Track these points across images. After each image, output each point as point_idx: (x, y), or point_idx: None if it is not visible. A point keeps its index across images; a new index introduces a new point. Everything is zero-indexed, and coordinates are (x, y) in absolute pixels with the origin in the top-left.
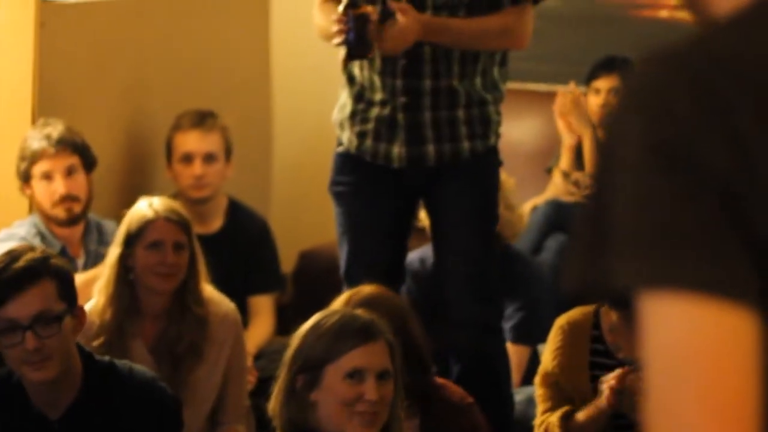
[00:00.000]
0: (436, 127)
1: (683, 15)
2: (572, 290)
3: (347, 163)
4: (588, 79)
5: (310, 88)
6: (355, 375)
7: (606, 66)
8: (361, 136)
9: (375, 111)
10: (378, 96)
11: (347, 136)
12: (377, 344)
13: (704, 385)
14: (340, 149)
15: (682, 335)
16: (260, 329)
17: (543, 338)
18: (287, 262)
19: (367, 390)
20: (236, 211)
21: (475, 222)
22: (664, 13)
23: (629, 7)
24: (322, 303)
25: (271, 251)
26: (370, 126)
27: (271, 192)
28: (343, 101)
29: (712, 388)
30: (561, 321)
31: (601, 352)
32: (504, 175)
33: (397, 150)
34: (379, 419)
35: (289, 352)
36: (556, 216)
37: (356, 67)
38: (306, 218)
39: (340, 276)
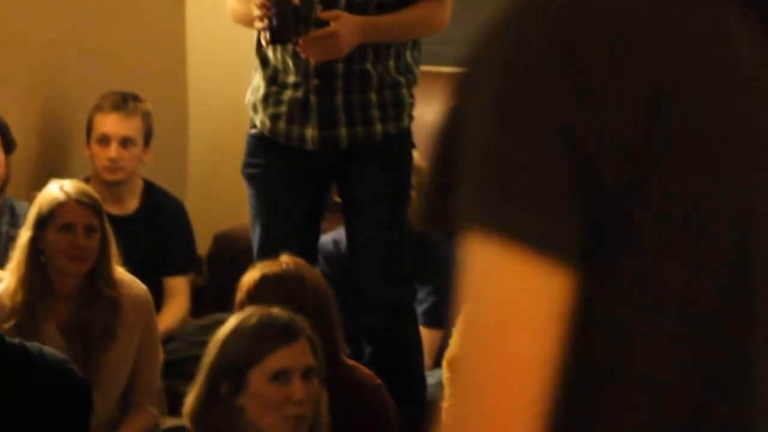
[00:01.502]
0: (348, 110)
1: None
2: (423, 228)
3: (260, 146)
4: None
5: (225, 71)
6: (281, 376)
7: None
8: (275, 118)
9: (288, 93)
10: (291, 78)
11: (261, 119)
12: (299, 343)
13: (497, 338)
14: (254, 131)
15: (490, 281)
16: (175, 311)
17: (455, 322)
18: (202, 244)
19: (294, 391)
20: (152, 192)
21: (387, 204)
22: None
23: None
24: (237, 285)
25: (186, 233)
26: (284, 108)
27: (187, 174)
28: (256, 84)
29: (503, 342)
30: None
31: None
32: (420, 161)
33: (310, 133)
34: (306, 419)
35: (208, 358)
36: None
37: (270, 50)
38: (221, 200)
39: (253, 258)
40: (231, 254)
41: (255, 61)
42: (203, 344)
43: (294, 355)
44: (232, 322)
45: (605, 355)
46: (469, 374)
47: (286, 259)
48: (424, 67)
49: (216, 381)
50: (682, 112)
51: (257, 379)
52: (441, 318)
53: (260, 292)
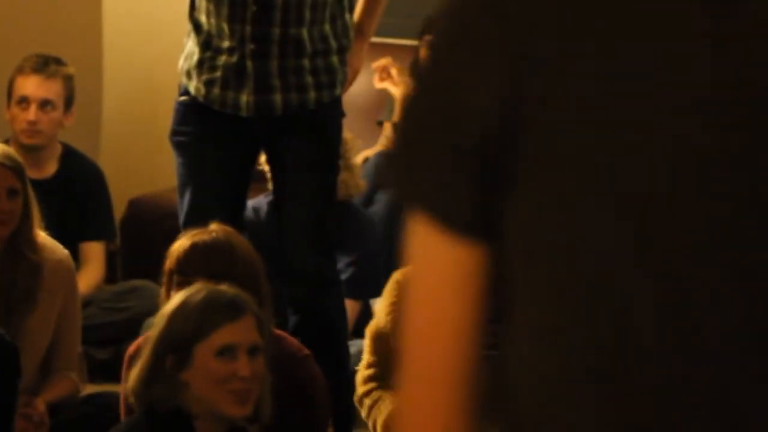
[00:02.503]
0: (283, 75)
1: None
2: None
3: (192, 113)
4: (422, 33)
5: (140, 36)
6: (226, 352)
7: None
8: (209, 84)
9: (223, 59)
10: (226, 44)
11: (194, 85)
12: (246, 319)
13: (419, 308)
14: (185, 98)
15: (414, 253)
16: (90, 276)
17: (375, 293)
18: (116, 210)
19: (239, 367)
20: (71, 157)
21: (317, 173)
22: None
23: None
24: (151, 252)
25: (104, 199)
26: (218, 74)
27: (100, 139)
28: (190, 49)
29: (424, 303)
30: (398, 275)
31: None
32: (347, 134)
33: (245, 98)
34: (252, 395)
35: (154, 332)
36: None
37: (203, 15)
38: (135, 166)
39: (167, 225)
40: (145, 221)
41: (173, 26)
42: (117, 311)
43: (240, 331)
44: (179, 297)
45: (508, 303)
46: (404, 333)
47: (215, 228)
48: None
49: (161, 355)
50: (562, 62)
51: (203, 354)
52: (360, 289)
53: (190, 261)
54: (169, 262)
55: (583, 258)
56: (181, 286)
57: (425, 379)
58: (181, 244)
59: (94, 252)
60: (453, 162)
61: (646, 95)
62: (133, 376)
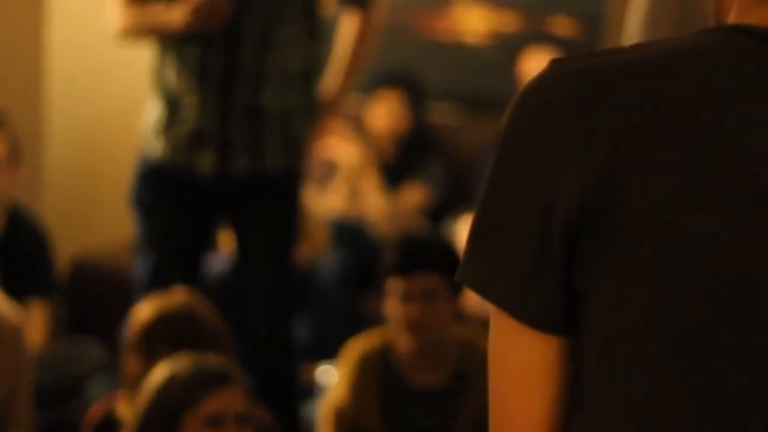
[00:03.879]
0: (246, 140)
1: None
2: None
3: (153, 175)
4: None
5: (86, 88)
6: (215, 421)
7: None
8: (171, 148)
9: (186, 123)
10: (190, 108)
11: (155, 147)
12: (234, 388)
13: (500, 401)
14: (148, 159)
15: (494, 344)
16: (33, 334)
17: (327, 355)
18: (58, 265)
19: None
20: (15, 213)
21: (277, 237)
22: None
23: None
24: (95, 308)
25: (47, 255)
26: (181, 138)
27: (43, 193)
28: (153, 112)
29: (505, 405)
30: (353, 346)
31: (393, 382)
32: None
33: (208, 162)
34: None
35: (140, 406)
36: (339, 227)
37: (169, 76)
38: (78, 222)
39: (112, 281)
40: (89, 277)
41: (120, 78)
42: (60, 368)
43: (229, 400)
44: (165, 368)
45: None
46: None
47: (180, 295)
48: None
49: (149, 426)
50: (638, 170)
51: (192, 423)
52: (312, 351)
53: (156, 331)
54: (134, 332)
55: (671, 338)
56: (150, 356)
57: None
58: (145, 313)
59: (37, 309)
60: (534, 258)
61: (735, 176)
62: None
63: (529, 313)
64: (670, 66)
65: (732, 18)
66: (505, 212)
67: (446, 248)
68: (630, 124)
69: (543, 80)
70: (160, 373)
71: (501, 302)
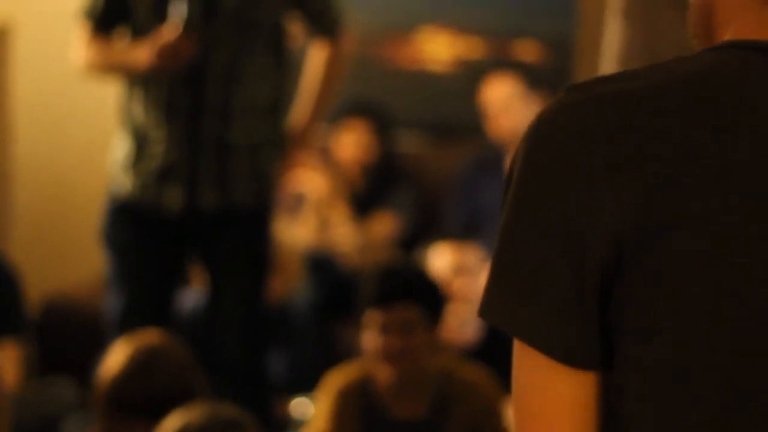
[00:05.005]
0: (215, 176)
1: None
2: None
3: (123, 212)
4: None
5: (52, 126)
6: None
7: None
8: (140, 183)
9: (154, 158)
10: (158, 143)
11: (124, 184)
12: None
13: (524, 426)
14: (117, 196)
15: (522, 381)
16: (7, 375)
17: (302, 388)
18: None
19: None
20: None
21: (250, 272)
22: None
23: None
24: (67, 348)
25: (16, 294)
26: (150, 173)
27: (12, 234)
28: (122, 147)
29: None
30: (331, 379)
31: (374, 414)
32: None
33: (175, 198)
34: None
35: None
36: (310, 259)
37: (136, 111)
38: (49, 261)
39: (82, 320)
40: (59, 317)
41: (86, 117)
42: (32, 408)
43: None
44: (177, 419)
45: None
46: None
47: (152, 337)
48: None
49: None
50: (676, 205)
51: None
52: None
53: (128, 388)
54: (102, 391)
55: (720, 373)
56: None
57: None
58: (114, 370)
59: (10, 349)
60: (567, 294)
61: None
62: None
63: (562, 350)
64: (697, 91)
65: (733, 33)
66: (532, 247)
67: (424, 279)
68: (666, 156)
69: (562, 108)
70: (173, 423)
71: (531, 339)
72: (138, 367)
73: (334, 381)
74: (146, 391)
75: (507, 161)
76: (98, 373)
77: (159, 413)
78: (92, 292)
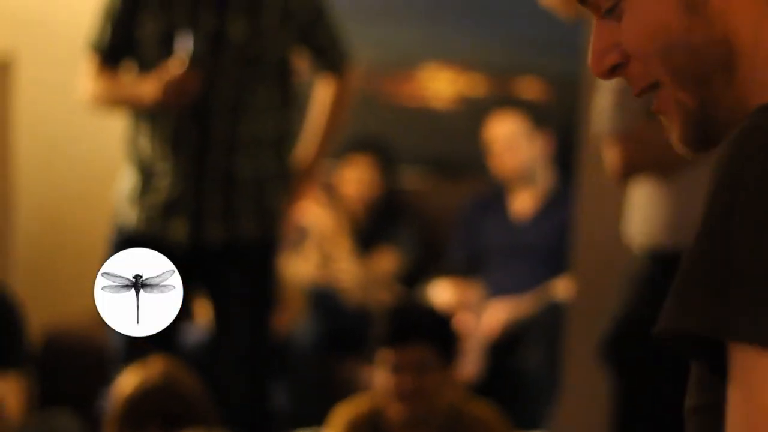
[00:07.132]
0: (222, 209)
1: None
2: (667, 334)
3: (128, 244)
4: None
5: (54, 158)
6: None
7: (358, 145)
8: (145, 216)
9: (160, 192)
10: (164, 177)
11: (129, 216)
12: None
13: None
14: (122, 228)
15: (759, 389)
16: (10, 408)
17: (305, 422)
18: (30, 338)
19: None
20: None
21: (254, 306)
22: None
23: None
24: (68, 381)
25: (19, 326)
26: (155, 207)
27: (14, 266)
28: (127, 180)
29: None
30: (340, 417)
31: None
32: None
33: (181, 232)
34: None
35: None
36: (313, 294)
37: (142, 145)
38: (50, 293)
39: (84, 351)
40: (61, 348)
41: (90, 147)
42: None
43: None
44: None
45: None
46: None
47: (161, 365)
48: None
49: None
50: None
51: None
52: (290, 420)
53: (141, 402)
54: (117, 406)
55: None
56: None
57: None
58: (128, 385)
59: (13, 382)
60: None
61: None
62: None
63: None
64: None
65: None
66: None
67: (438, 318)
68: None
69: None
70: None
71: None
72: (154, 387)
73: (344, 414)
74: (162, 410)
75: (509, 199)
76: (110, 396)
77: None
78: (93, 325)
